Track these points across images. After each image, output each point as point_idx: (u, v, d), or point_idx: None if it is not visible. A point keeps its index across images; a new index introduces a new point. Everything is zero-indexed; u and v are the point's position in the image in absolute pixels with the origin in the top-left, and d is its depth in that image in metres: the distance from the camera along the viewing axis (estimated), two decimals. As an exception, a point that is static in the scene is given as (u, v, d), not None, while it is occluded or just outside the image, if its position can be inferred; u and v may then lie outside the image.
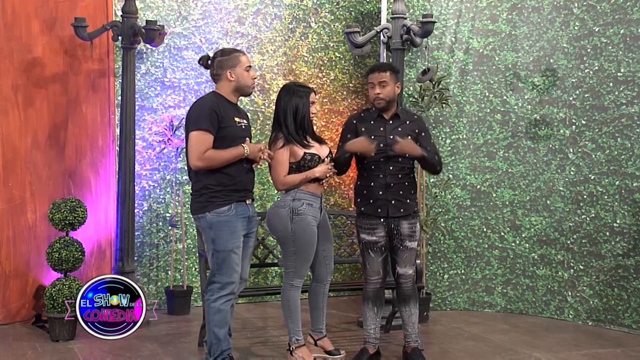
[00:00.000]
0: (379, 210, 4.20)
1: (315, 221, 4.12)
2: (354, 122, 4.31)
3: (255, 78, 3.98)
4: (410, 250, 4.28)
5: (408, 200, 4.24)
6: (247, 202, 3.90)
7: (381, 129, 4.23)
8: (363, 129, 4.23)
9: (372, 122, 4.26)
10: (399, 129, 4.23)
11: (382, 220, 4.21)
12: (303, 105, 4.09)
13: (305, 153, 4.06)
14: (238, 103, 4.02)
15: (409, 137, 4.20)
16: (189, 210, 4.06)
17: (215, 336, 3.84)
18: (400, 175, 4.21)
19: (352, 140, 4.15)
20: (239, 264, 3.86)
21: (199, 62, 4.03)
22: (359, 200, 4.29)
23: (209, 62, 3.95)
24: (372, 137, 4.17)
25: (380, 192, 4.19)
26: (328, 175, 4.14)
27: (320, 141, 4.22)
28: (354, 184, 4.41)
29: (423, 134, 4.30)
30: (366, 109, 4.46)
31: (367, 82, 4.33)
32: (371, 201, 4.22)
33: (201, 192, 3.82)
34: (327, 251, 4.27)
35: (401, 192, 4.21)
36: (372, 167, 4.20)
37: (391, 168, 4.19)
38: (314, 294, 4.31)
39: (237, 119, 3.87)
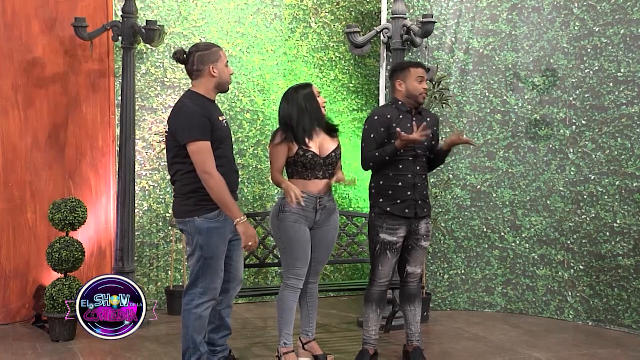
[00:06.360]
0: (407, 210, 4.14)
1: (305, 220, 4.06)
2: (388, 116, 4.17)
3: (231, 74, 3.89)
4: (423, 250, 4.30)
5: (428, 200, 4.27)
6: None
7: (408, 125, 4.16)
8: (394, 124, 4.15)
9: (400, 116, 4.20)
10: (426, 124, 4.18)
11: (406, 220, 4.17)
12: (305, 104, 4.06)
13: (298, 149, 4.03)
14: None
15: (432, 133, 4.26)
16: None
17: (192, 341, 3.73)
18: (423, 176, 4.22)
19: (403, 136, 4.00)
20: (222, 269, 3.77)
21: (173, 56, 3.78)
22: (381, 200, 4.18)
23: (185, 56, 3.77)
24: (403, 131, 4.09)
25: (409, 192, 4.14)
26: (295, 200, 3.92)
27: (332, 133, 4.18)
28: (372, 182, 4.29)
29: (437, 130, 4.36)
30: (385, 105, 4.42)
31: (401, 75, 4.20)
32: (398, 201, 4.14)
33: (189, 195, 3.69)
34: (317, 253, 4.18)
35: (424, 192, 4.22)
36: (400, 166, 4.13)
37: (418, 168, 4.17)
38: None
39: (220, 118, 3.79)
